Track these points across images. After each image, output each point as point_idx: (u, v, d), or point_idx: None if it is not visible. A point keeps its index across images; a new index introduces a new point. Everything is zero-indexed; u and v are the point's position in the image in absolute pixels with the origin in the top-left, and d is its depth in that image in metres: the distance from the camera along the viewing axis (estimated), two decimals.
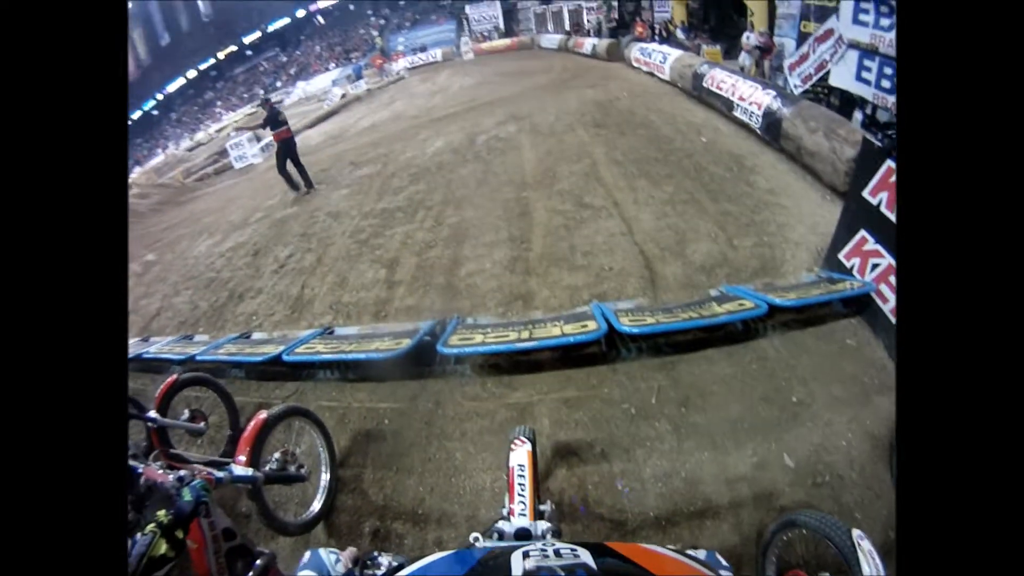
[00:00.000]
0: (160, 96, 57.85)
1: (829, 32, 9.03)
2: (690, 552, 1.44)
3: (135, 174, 37.28)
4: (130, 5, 51.23)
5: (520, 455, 2.52)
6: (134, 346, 6.82)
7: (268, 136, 20.97)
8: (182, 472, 2.32)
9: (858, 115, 8.21)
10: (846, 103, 8.95)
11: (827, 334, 4.35)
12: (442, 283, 6.10)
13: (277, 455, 2.99)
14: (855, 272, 4.60)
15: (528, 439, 2.63)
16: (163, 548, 1.96)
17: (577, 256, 5.96)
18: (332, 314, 6.19)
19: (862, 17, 8.21)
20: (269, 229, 9.92)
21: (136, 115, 57.42)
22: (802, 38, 11.44)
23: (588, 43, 24.32)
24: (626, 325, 4.18)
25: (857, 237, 4.63)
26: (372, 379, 4.73)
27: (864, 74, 8.27)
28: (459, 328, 4.86)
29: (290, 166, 11.46)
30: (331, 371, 4.98)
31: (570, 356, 4.37)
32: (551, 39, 31.29)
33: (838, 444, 3.40)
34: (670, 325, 4.20)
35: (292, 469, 3.04)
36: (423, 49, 40.94)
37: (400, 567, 1.29)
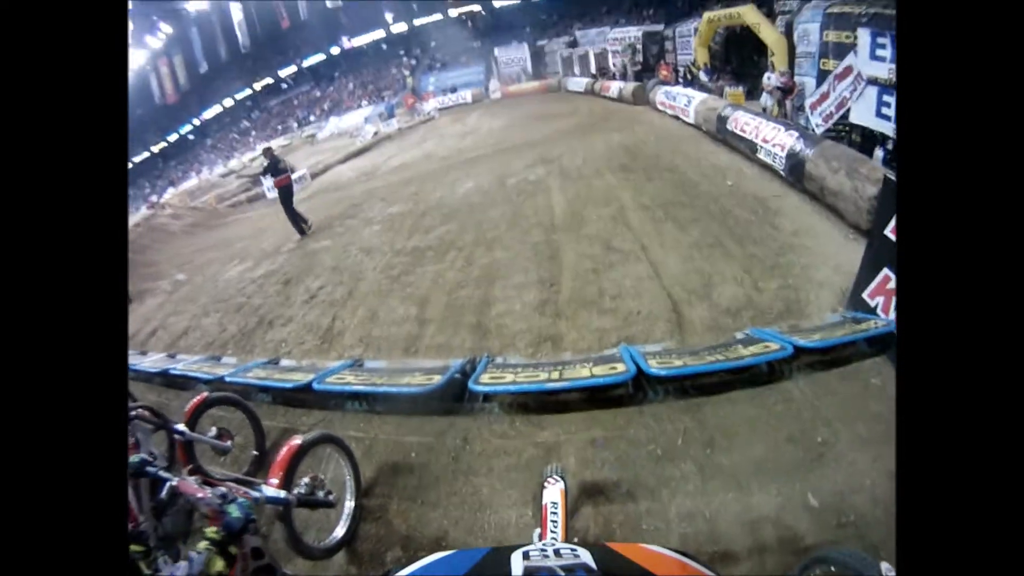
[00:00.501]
0: (197, 121, 60.58)
1: (848, 69, 9.09)
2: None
3: (168, 195, 38.46)
4: (171, 30, 54.09)
5: (553, 493, 2.65)
6: (160, 361, 7.15)
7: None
8: (222, 489, 2.39)
9: (879, 152, 8.23)
10: (868, 140, 8.95)
11: (852, 374, 4.37)
12: (472, 322, 6.25)
13: (306, 480, 3.09)
14: (879, 310, 4.64)
15: (560, 478, 2.76)
16: (219, 565, 2.07)
17: (605, 299, 6.08)
18: (362, 347, 6.38)
19: (879, 52, 8.28)
20: (301, 260, 10.29)
21: (173, 138, 60.88)
22: (822, 76, 11.50)
23: (614, 87, 24.63)
24: (654, 368, 4.29)
25: (880, 276, 4.68)
26: (400, 413, 4.84)
27: (884, 109, 8.28)
28: (489, 367, 4.99)
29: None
30: (359, 402, 5.10)
31: (597, 397, 4.46)
32: (578, 82, 31.73)
33: (863, 483, 3.40)
34: (697, 367, 4.30)
35: (320, 495, 3.12)
36: (453, 90, 41.91)
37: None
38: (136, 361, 7.36)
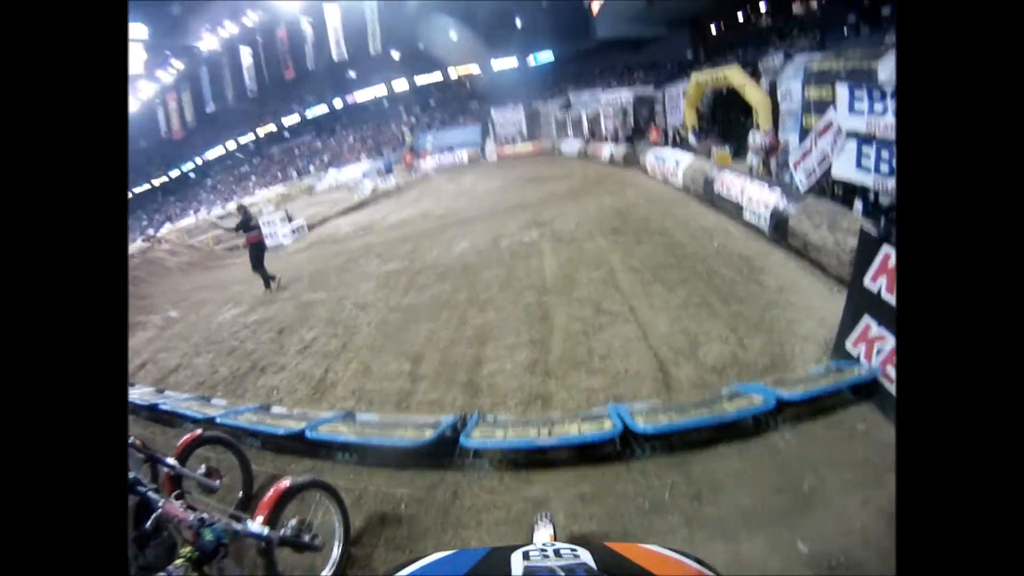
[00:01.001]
0: (199, 160, 61.50)
1: (829, 125, 9.33)
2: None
3: (164, 230, 38.55)
4: (182, 67, 55.42)
5: (543, 535, 2.77)
6: (148, 395, 7.17)
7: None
8: (203, 514, 2.43)
9: (858, 204, 8.39)
10: (849, 192, 9.11)
11: (837, 422, 4.45)
12: (464, 380, 6.33)
13: (293, 522, 3.07)
14: (862, 357, 4.75)
15: (550, 521, 2.91)
16: None
17: (595, 360, 6.19)
18: (354, 400, 6.44)
19: (857, 106, 8.53)
20: (296, 310, 10.41)
21: (175, 174, 61.77)
22: (804, 133, 11.78)
23: (606, 150, 25.26)
24: (641, 424, 4.39)
25: (861, 325, 4.81)
26: (391, 465, 4.86)
27: (864, 161, 8.42)
28: (480, 423, 5.05)
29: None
30: (350, 453, 5.13)
31: (585, 454, 4.51)
32: (571, 145, 32.56)
33: (852, 526, 3.43)
34: (682, 423, 4.41)
35: (306, 538, 3.09)
36: (450, 149, 42.64)
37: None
38: None
